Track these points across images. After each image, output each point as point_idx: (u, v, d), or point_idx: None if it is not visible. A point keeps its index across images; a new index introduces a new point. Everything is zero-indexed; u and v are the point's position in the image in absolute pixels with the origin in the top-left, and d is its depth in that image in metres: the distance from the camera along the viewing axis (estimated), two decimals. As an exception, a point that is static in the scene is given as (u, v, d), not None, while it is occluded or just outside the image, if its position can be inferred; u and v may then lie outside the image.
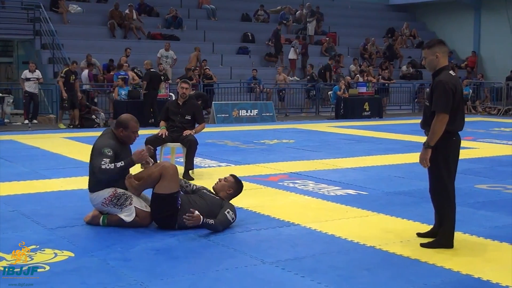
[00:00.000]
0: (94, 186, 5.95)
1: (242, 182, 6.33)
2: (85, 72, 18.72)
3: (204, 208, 5.83)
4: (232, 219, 5.91)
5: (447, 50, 5.51)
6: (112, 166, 5.74)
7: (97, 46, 21.44)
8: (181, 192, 6.04)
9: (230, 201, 6.13)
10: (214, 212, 5.85)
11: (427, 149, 5.18)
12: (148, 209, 5.93)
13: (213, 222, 5.73)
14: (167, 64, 20.67)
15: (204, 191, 6.18)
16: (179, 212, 5.78)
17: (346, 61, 25.42)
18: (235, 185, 6.18)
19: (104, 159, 5.74)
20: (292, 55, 23.94)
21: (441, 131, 5.12)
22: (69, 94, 16.62)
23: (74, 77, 16.69)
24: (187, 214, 5.60)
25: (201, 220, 5.65)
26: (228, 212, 5.87)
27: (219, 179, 6.26)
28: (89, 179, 6.04)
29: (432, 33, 30.53)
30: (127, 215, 5.88)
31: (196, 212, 5.64)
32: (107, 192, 5.91)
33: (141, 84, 17.59)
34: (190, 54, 21.67)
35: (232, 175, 6.29)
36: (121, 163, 5.79)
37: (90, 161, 5.97)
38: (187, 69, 20.17)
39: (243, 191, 6.35)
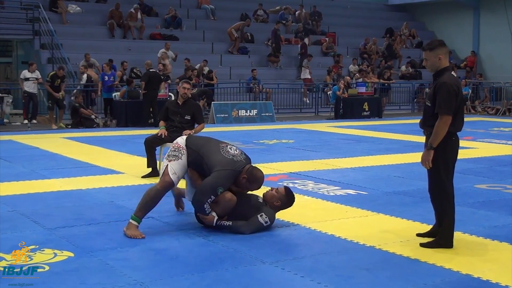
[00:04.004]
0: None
1: (295, 195, 6.15)
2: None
3: (239, 208, 5.81)
4: (266, 222, 5.76)
5: (448, 51, 5.52)
6: (208, 209, 5.68)
7: (96, 46, 21.44)
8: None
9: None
10: (250, 214, 5.79)
11: (430, 151, 5.18)
12: (174, 178, 5.75)
13: (230, 223, 5.71)
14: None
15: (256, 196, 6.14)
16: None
17: (345, 61, 25.42)
18: (285, 199, 5.99)
19: (212, 197, 5.64)
20: (305, 74, 23.25)
21: (444, 133, 5.13)
22: (53, 96, 16.80)
23: (59, 81, 16.83)
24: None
25: (214, 221, 5.70)
26: (261, 216, 5.76)
27: (271, 188, 6.13)
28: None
29: (431, 33, 30.53)
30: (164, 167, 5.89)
31: (213, 213, 5.71)
32: (180, 139, 6.02)
33: (140, 84, 17.58)
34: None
35: (285, 187, 6.11)
36: (210, 211, 5.72)
37: (203, 155, 5.83)
38: (186, 69, 20.18)
39: None
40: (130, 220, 5.72)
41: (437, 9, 30.88)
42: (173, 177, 5.73)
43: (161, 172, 6.03)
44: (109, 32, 22.86)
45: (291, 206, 6.14)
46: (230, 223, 5.72)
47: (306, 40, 24.97)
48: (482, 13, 29.08)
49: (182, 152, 5.86)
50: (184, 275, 4.62)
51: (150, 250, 5.27)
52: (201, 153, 5.82)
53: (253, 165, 5.99)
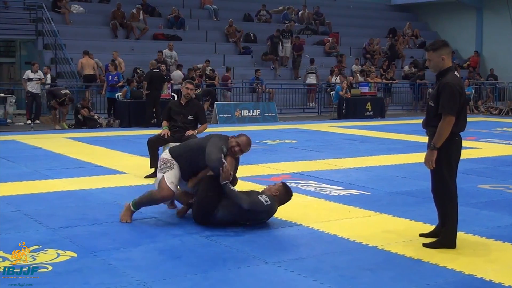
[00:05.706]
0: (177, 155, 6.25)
1: (292, 192, 6.31)
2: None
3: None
4: (266, 201, 5.89)
5: (451, 51, 5.52)
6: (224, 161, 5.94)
7: (99, 46, 21.43)
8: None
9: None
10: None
11: (433, 151, 5.18)
12: (172, 186, 6.03)
13: (235, 189, 5.86)
14: (172, 64, 20.70)
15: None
16: (220, 205, 5.90)
17: (348, 61, 25.40)
18: (282, 189, 6.16)
19: (222, 155, 5.98)
20: (311, 80, 23.01)
21: (448, 133, 5.13)
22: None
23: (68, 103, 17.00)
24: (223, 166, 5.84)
25: (231, 176, 5.87)
26: (261, 196, 5.92)
27: (268, 185, 6.30)
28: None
29: (434, 33, 30.50)
30: (156, 182, 6.22)
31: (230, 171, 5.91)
32: (164, 154, 6.34)
33: (142, 84, 17.58)
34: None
35: (282, 182, 6.31)
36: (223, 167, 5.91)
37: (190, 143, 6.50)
38: (189, 69, 20.18)
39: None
40: (130, 204, 6.17)
41: (440, 9, 30.84)
42: (171, 186, 6.06)
43: (156, 183, 6.25)
44: (112, 32, 22.87)
45: (290, 200, 6.24)
46: (236, 190, 5.87)
47: (289, 43, 24.29)
48: (485, 13, 29.04)
49: (172, 163, 6.15)
50: (187, 275, 4.63)
51: (153, 250, 5.28)
52: (195, 149, 6.21)
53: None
